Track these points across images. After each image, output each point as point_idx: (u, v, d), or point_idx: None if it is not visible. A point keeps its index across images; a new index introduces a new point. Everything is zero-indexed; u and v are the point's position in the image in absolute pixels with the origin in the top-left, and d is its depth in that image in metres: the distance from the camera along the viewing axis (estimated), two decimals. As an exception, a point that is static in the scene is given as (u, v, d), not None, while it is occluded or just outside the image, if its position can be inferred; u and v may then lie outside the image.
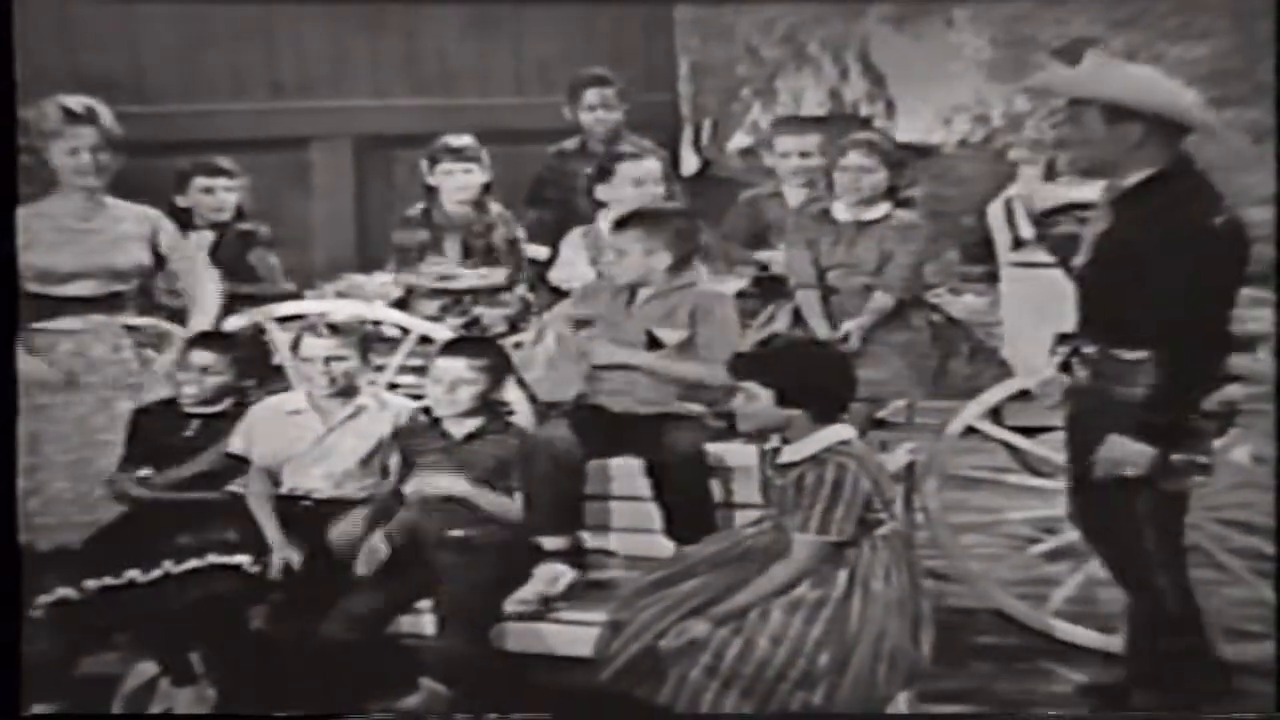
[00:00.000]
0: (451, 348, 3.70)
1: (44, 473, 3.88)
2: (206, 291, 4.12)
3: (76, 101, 3.96)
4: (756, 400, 3.15)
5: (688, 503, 3.58)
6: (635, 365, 3.70)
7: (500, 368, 3.69)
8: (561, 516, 3.58)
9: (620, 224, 3.82)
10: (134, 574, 3.49)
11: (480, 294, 4.56)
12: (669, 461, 3.58)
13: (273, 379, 4.09)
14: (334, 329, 3.77)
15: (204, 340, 3.87)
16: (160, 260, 4.07)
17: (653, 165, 4.39)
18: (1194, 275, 3.05)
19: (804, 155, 4.67)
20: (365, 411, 3.74)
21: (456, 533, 3.53)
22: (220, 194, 4.63)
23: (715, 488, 3.66)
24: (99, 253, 3.96)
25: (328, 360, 3.70)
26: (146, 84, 5.34)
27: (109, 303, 3.98)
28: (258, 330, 4.22)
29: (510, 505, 3.58)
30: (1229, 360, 3.15)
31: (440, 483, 3.57)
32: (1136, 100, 3.14)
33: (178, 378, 3.81)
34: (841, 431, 3.14)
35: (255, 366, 3.93)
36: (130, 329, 4.01)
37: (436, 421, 3.66)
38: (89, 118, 3.95)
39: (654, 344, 3.72)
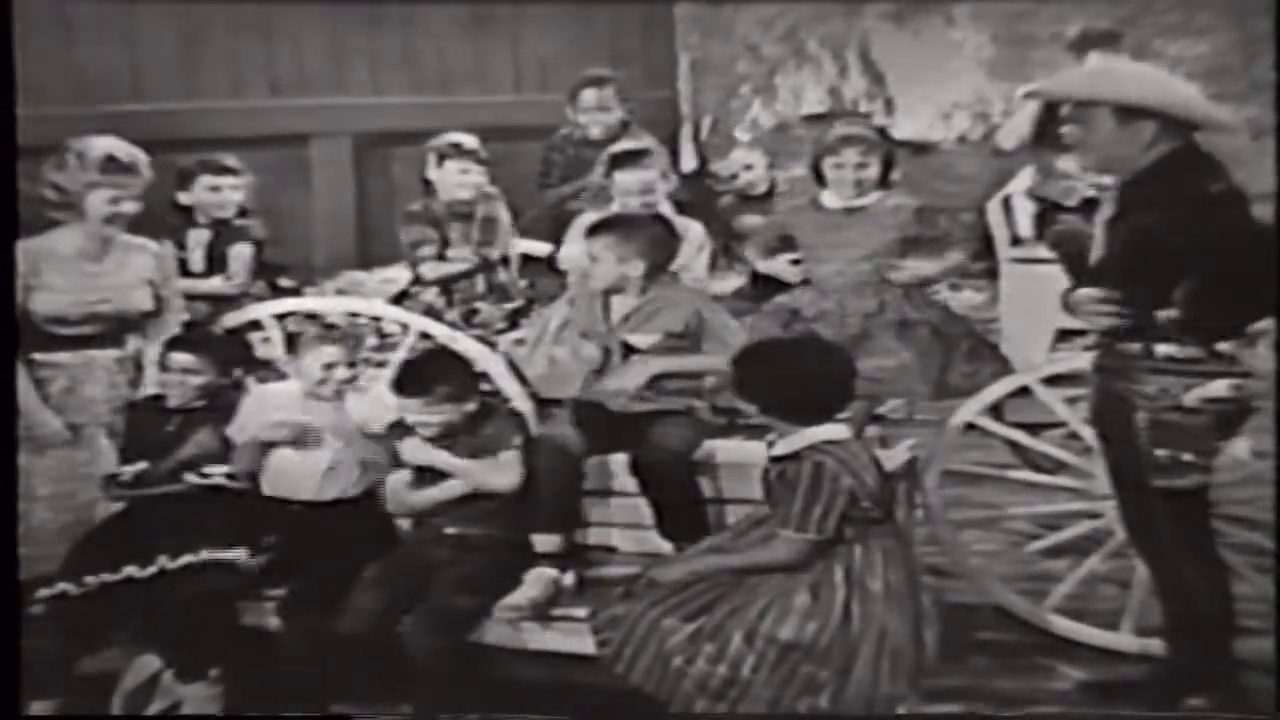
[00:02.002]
0: (403, 388, 3.56)
1: (25, 504, 3.79)
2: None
3: (124, 150, 3.92)
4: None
5: (674, 499, 3.59)
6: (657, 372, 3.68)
7: (459, 390, 3.56)
8: (562, 514, 3.57)
9: (593, 230, 3.78)
10: (131, 570, 3.49)
11: (482, 287, 4.58)
12: (653, 459, 3.58)
13: (257, 374, 4.09)
14: (332, 331, 3.76)
15: (182, 342, 3.85)
16: (160, 301, 4.01)
17: (648, 176, 4.36)
18: (1200, 246, 3.07)
19: (748, 168, 4.90)
20: (348, 408, 3.72)
21: (453, 530, 3.54)
22: (225, 192, 4.62)
23: (706, 484, 3.66)
24: (107, 299, 3.91)
25: (330, 366, 3.69)
26: (145, 82, 5.34)
27: (104, 339, 3.93)
28: (248, 326, 4.22)
29: (470, 467, 3.52)
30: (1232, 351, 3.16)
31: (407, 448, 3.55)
32: (1146, 100, 3.14)
33: (161, 380, 3.79)
34: (834, 430, 3.11)
35: (237, 364, 3.91)
36: (122, 361, 3.95)
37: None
38: (133, 168, 3.92)
39: (629, 350, 3.72)
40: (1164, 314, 3.13)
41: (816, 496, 3.03)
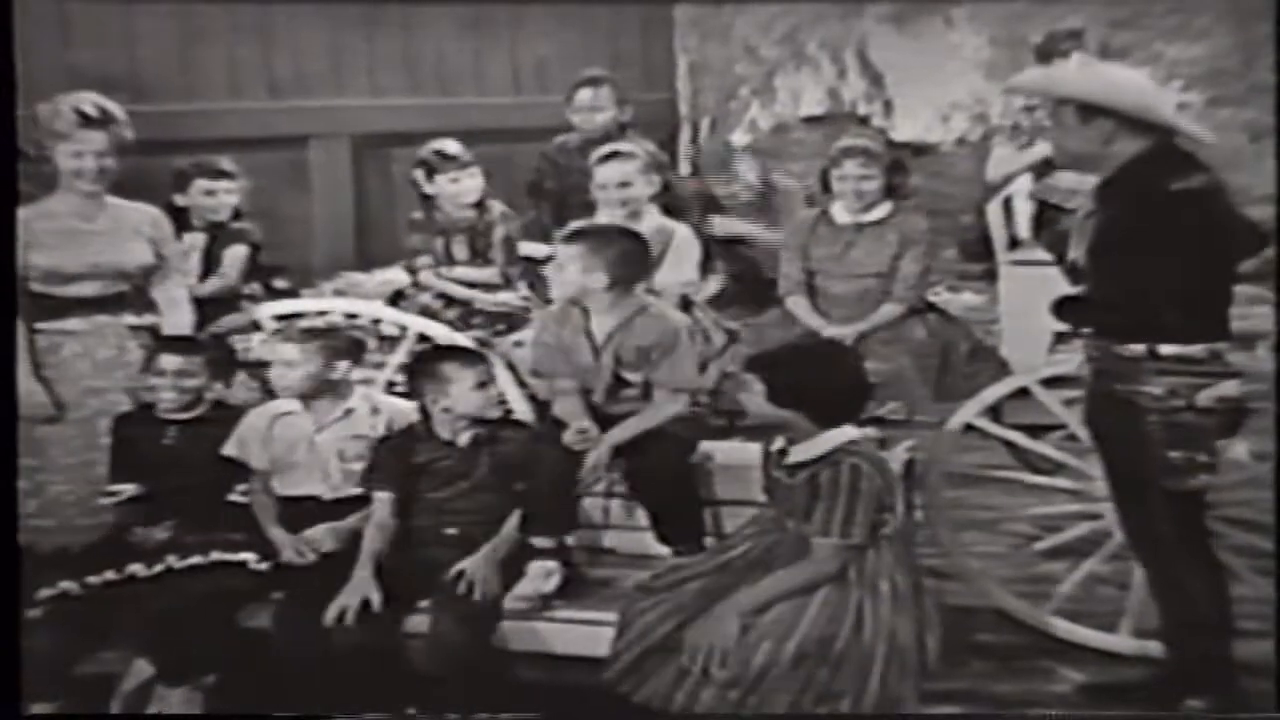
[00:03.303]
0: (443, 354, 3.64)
1: (45, 474, 3.85)
2: (179, 294, 4.10)
3: (91, 103, 3.91)
4: (753, 395, 3.11)
5: (670, 502, 3.58)
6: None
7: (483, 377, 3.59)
8: (559, 513, 3.55)
9: (568, 238, 3.73)
10: (136, 568, 3.47)
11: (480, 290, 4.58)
12: (649, 462, 3.57)
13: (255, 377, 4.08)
14: (307, 334, 3.73)
15: (173, 344, 3.82)
16: (161, 259, 4.04)
17: (627, 168, 4.30)
18: (1179, 243, 3.07)
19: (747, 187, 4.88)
20: (356, 414, 3.71)
21: (451, 530, 3.53)
22: (221, 196, 4.62)
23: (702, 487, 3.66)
24: (104, 253, 3.92)
25: (290, 364, 3.65)
26: (144, 83, 5.33)
27: (112, 303, 3.95)
28: (247, 328, 4.21)
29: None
30: (1229, 352, 3.16)
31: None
32: (1110, 100, 3.16)
33: (150, 383, 3.76)
34: (849, 432, 3.08)
35: (228, 368, 3.89)
36: (135, 329, 3.97)
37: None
38: (102, 121, 3.90)
39: (619, 381, 3.69)
40: (1144, 311, 3.13)
41: (857, 501, 2.99)
